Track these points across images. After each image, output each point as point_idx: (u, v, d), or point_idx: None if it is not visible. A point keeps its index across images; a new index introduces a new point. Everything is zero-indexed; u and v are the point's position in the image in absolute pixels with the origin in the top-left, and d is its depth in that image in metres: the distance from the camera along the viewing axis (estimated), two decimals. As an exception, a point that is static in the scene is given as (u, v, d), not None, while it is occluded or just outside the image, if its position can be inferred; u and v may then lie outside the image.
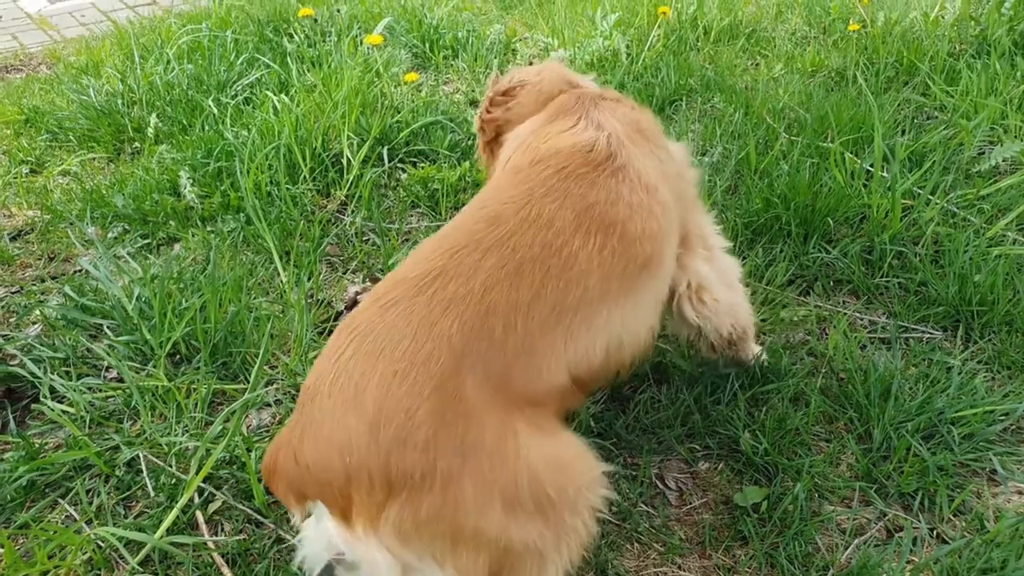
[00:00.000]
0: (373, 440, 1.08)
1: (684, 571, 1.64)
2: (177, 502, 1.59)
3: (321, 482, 1.11)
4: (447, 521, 1.08)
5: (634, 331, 1.40)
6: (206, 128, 3.44)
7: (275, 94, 3.42)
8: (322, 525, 1.17)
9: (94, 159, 3.51)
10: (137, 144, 3.56)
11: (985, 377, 2.02)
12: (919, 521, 1.69)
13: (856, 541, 1.67)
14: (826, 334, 2.21)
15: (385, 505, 1.08)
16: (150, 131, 3.49)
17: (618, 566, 1.63)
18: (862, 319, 2.26)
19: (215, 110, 3.50)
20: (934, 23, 3.62)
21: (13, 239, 2.93)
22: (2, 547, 1.50)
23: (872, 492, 1.75)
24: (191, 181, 2.99)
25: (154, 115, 3.56)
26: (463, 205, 2.94)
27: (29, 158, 3.53)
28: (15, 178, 3.35)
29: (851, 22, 3.65)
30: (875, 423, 1.86)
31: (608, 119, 1.55)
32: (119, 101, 3.75)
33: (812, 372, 2.05)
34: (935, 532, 1.67)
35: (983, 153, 2.85)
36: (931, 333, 2.19)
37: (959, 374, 1.97)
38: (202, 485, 1.67)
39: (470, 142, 3.28)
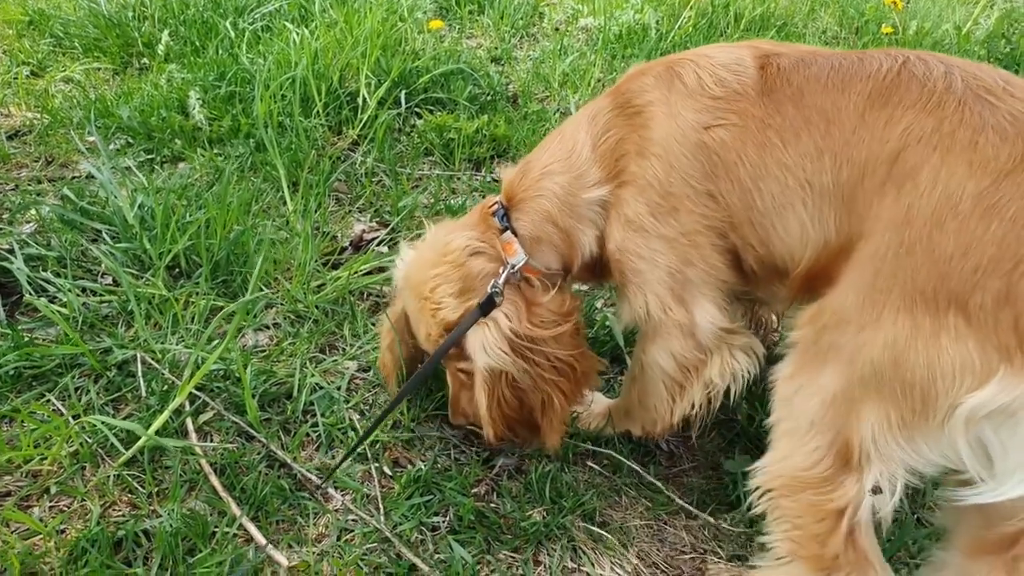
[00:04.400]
0: None
1: (669, 527, 1.64)
2: (168, 406, 1.54)
3: None
4: None
5: None
6: (220, 51, 3.35)
7: (295, 25, 3.33)
8: None
9: (99, 69, 3.41)
10: (146, 60, 3.46)
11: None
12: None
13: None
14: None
15: None
16: (161, 48, 3.39)
17: (606, 515, 1.63)
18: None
19: (231, 33, 3.41)
20: (965, 37, 3.62)
21: (10, 138, 2.83)
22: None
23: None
24: (200, 102, 2.91)
25: (166, 32, 3.47)
26: (478, 158, 2.95)
27: (30, 60, 3.42)
28: (15, 78, 3.24)
29: (884, 25, 3.63)
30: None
31: None
32: (130, 14, 3.64)
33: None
34: (916, 517, 1.69)
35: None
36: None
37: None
38: (195, 393, 1.62)
39: (489, 96, 3.22)
